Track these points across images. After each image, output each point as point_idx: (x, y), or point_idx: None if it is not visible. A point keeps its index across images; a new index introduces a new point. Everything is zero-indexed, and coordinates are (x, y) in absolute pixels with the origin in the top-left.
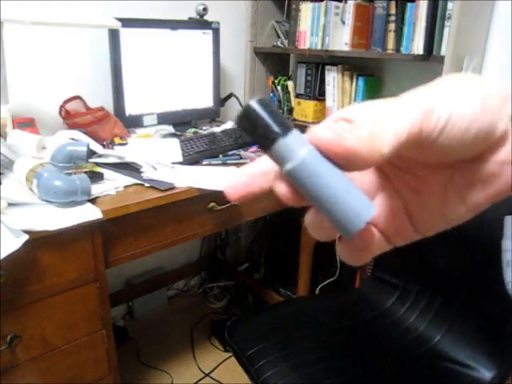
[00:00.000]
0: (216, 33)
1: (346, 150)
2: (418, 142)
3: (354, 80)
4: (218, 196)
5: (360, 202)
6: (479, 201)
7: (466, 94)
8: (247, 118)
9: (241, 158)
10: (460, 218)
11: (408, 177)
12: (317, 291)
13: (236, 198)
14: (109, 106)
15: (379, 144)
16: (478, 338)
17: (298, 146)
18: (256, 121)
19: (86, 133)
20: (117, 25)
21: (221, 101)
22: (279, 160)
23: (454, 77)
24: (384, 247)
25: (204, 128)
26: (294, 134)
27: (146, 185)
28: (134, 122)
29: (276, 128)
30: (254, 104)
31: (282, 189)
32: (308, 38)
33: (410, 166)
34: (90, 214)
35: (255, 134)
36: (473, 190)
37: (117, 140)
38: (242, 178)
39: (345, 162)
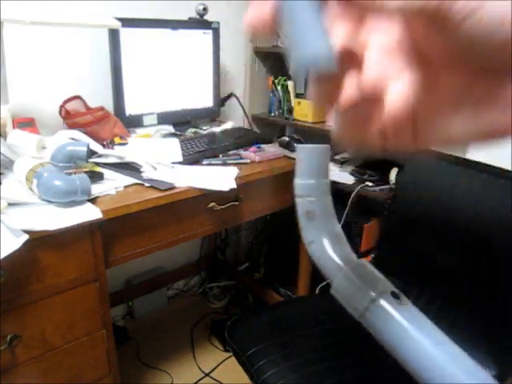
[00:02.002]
0: (216, 33)
1: None
2: (435, 18)
3: None
4: (217, 196)
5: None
6: (495, 126)
7: None
8: None
9: (241, 158)
10: (465, 137)
11: (428, 60)
12: (317, 291)
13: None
14: (109, 105)
15: None
16: (478, 337)
17: None
18: None
19: (85, 133)
20: (117, 25)
21: (221, 101)
22: None
23: None
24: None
25: (204, 128)
26: None
27: (146, 185)
28: (134, 122)
29: None
30: None
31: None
32: None
33: (433, 46)
34: (90, 213)
35: None
36: (491, 108)
37: (117, 140)
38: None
39: None
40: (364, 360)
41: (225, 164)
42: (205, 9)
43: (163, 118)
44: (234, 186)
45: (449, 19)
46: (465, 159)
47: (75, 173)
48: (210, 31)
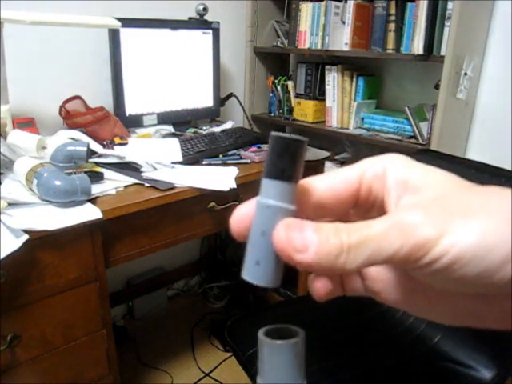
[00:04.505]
0: (216, 33)
1: (293, 261)
2: (407, 265)
3: (354, 80)
4: (217, 196)
5: (268, 269)
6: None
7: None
8: (285, 146)
9: (240, 158)
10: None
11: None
12: None
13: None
14: (109, 105)
15: (345, 262)
16: (478, 338)
17: (277, 195)
18: (285, 154)
19: (85, 133)
20: (117, 25)
21: (221, 101)
22: (260, 190)
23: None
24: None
25: (204, 128)
26: (290, 186)
27: (146, 185)
28: (134, 122)
29: (291, 172)
30: (300, 143)
31: (238, 211)
32: (308, 37)
33: None
34: (89, 213)
35: (274, 161)
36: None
37: (117, 140)
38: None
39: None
40: (364, 360)
41: (225, 164)
42: (205, 9)
43: (163, 118)
44: (234, 186)
45: (423, 265)
46: (465, 159)
47: (75, 173)
48: (210, 31)
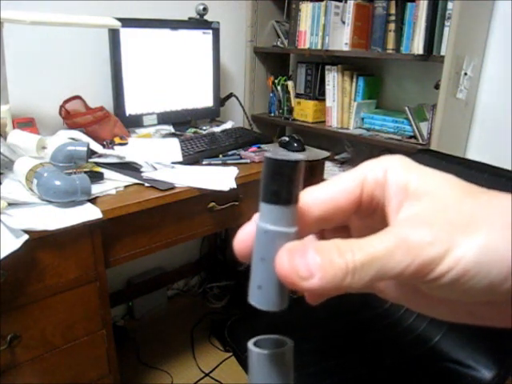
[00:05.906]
0: (216, 33)
1: (298, 287)
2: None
3: (354, 80)
4: (217, 196)
5: (270, 293)
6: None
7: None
8: (278, 169)
9: (240, 158)
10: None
11: None
12: None
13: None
14: (109, 105)
15: (351, 282)
16: (478, 337)
17: (274, 219)
18: (279, 176)
19: (85, 133)
20: (117, 25)
21: (221, 101)
22: (259, 214)
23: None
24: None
25: (204, 128)
26: (287, 209)
27: (146, 185)
28: (134, 122)
29: (287, 195)
30: (295, 164)
31: (241, 232)
32: (308, 37)
33: None
34: (89, 213)
35: (269, 184)
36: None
37: (117, 140)
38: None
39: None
40: (364, 360)
41: (225, 164)
42: (205, 9)
43: (163, 118)
44: (234, 185)
45: (429, 280)
46: (465, 159)
47: (75, 173)
48: (210, 31)
